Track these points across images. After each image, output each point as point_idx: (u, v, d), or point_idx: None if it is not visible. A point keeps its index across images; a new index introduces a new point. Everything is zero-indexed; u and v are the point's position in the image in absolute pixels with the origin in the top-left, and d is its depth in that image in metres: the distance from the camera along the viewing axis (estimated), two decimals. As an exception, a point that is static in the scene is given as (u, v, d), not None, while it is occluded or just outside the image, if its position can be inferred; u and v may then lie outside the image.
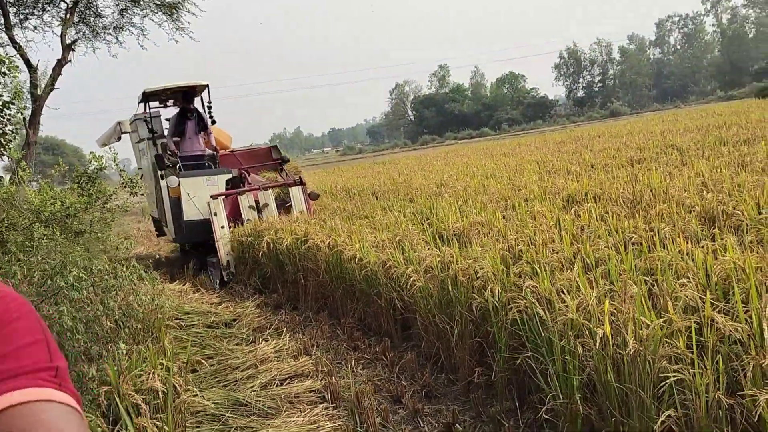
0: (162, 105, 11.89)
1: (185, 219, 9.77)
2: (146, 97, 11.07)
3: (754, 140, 9.80)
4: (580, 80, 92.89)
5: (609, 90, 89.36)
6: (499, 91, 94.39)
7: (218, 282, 8.99)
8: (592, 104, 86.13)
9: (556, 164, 11.27)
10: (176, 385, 3.03)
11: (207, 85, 10.88)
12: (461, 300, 4.34)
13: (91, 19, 14.79)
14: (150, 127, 11.26)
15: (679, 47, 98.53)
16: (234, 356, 5.52)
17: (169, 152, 10.57)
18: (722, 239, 3.87)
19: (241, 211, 9.52)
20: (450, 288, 4.48)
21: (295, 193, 9.98)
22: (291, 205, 9.92)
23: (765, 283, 2.75)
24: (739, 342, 2.49)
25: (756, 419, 2.22)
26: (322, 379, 4.81)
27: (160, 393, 2.98)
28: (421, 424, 4.04)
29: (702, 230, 4.31)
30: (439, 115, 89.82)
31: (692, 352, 2.52)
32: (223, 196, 9.48)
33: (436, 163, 19.30)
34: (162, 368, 3.24)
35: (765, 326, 2.38)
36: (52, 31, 14.17)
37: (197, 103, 11.37)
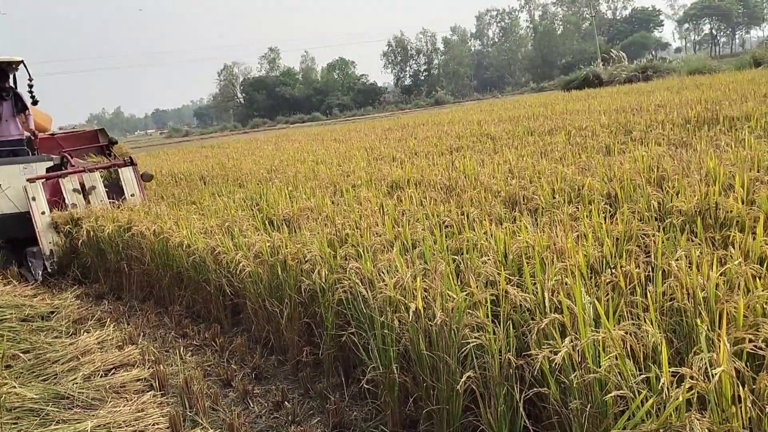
0: None
1: (1, 213, 8.79)
2: None
3: (556, 131, 10.86)
4: (407, 69, 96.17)
5: (434, 79, 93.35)
6: (330, 77, 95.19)
7: (41, 273, 8.30)
8: (419, 92, 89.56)
9: (383, 151, 11.74)
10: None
11: (21, 61, 9.76)
12: (290, 283, 4.50)
13: None
14: None
15: (497, 40, 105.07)
16: (53, 349, 5.27)
17: None
18: (521, 221, 4.36)
19: (64, 196, 8.75)
20: (279, 272, 4.62)
21: (126, 174, 9.34)
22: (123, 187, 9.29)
23: (551, 259, 3.18)
24: (528, 310, 2.89)
25: (539, 374, 2.61)
26: (149, 368, 4.77)
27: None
28: (251, 405, 4.16)
29: (505, 213, 4.80)
30: (270, 99, 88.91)
31: (489, 321, 2.88)
32: (43, 180, 8.72)
33: (266, 147, 19.22)
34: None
35: (546, 296, 2.78)
36: None
37: (12, 81, 10.10)
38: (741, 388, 2.03)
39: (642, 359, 2.34)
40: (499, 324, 2.87)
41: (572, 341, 2.37)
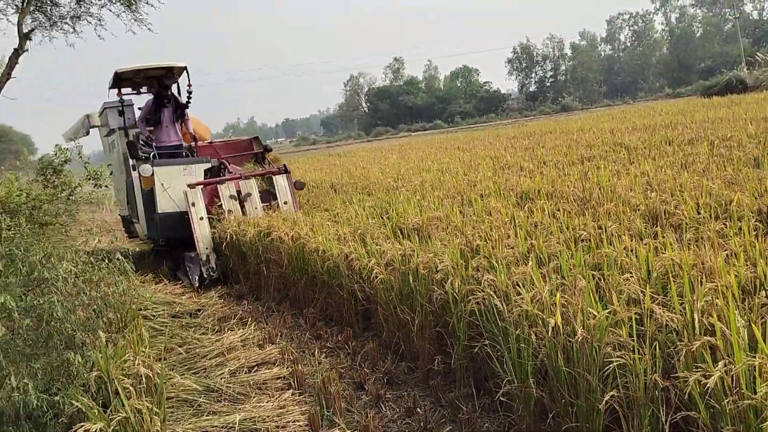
0: (135, 91, 10.86)
1: (159, 212, 9.01)
2: (118, 80, 9.98)
3: (697, 140, 10.31)
4: (533, 75, 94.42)
5: (560, 85, 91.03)
6: (453, 85, 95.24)
7: (197, 278, 8.36)
8: (544, 99, 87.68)
9: (510, 160, 11.64)
10: (158, 371, 3.21)
11: (185, 68, 9.99)
12: (422, 292, 4.59)
13: (48, 8, 14.53)
14: (122, 115, 10.35)
15: (629, 44, 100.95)
16: (201, 345, 5.68)
17: (142, 141, 9.81)
18: (663, 237, 4.22)
19: (222, 202, 8.89)
20: (411, 280, 4.73)
21: (280, 182, 9.33)
22: (276, 195, 9.31)
23: (699, 279, 3.07)
24: (675, 331, 2.80)
25: (687, 398, 2.53)
26: (288, 367, 5.02)
27: (143, 378, 3.15)
28: (384, 409, 4.28)
29: (645, 228, 4.65)
30: (394, 108, 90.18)
31: (633, 340, 2.82)
32: (202, 186, 8.91)
33: (391, 156, 19.56)
34: (143, 355, 3.40)
35: (696, 317, 2.69)
36: (7, 19, 13.88)
37: (174, 89, 10.38)
38: None
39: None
40: (643, 344, 2.80)
41: (726, 365, 2.29)
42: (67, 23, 14.83)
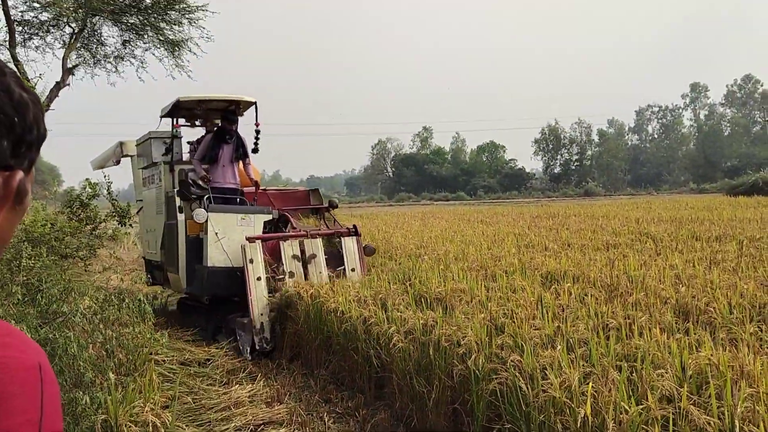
0: (190, 123, 9.79)
1: (209, 265, 7.84)
2: (176, 108, 8.87)
3: (725, 238, 10.19)
4: (558, 157, 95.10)
5: (585, 169, 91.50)
6: (479, 159, 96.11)
7: (248, 349, 7.19)
8: (568, 181, 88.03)
9: (533, 239, 11.56)
10: (166, 420, 3.10)
11: (254, 103, 8.92)
12: (441, 365, 4.47)
13: (94, 46, 15.03)
14: (170, 148, 9.19)
15: (656, 136, 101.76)
16: (208, 396, 5.55)
17: (197, 180, 8.44)
18: (695, 334, 4.09)
19: (283, 261, 7.67)
20: (431, 352, 4.61)
21: (349, 245, 8.11)
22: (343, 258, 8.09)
23: (738, 382, 2.94)
24: (711, 435, 2.66)
25: None
26: (295, 429, 4.87)
27: (151, 426, 3.05)
28: (392, 485, 4.11)
29: (676, 323, 4.52)
30: (418, 175, 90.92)
31: (668, 441, 2.68)
32: (262, 241, 7.76)
33: (414, 222, 19.55)
34: (153, 402, 3.30)
35: (737, 423, 2.56)
36: (53, 53, 14.36)
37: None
38: None
39: None
40: (677, 445, 2.67)
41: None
42: (110, 62, 15.29)
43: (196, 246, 8.20)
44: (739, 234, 10.51)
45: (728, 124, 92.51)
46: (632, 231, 12.18)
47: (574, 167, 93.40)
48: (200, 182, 8.29)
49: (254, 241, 7.58)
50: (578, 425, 2.92)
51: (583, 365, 3.52)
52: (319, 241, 7.92)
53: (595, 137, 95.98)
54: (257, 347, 7.12)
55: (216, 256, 7.82)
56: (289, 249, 7.69)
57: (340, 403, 5.61)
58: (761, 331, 4.13)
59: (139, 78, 15.51)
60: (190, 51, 15.41)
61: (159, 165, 9.25)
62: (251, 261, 7.38)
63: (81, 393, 3.09)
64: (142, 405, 3.14)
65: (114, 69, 15.37)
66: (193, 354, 7.00)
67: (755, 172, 40.15)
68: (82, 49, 14.89)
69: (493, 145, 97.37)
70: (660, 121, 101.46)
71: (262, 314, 7.24)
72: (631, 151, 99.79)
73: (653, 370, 3.26)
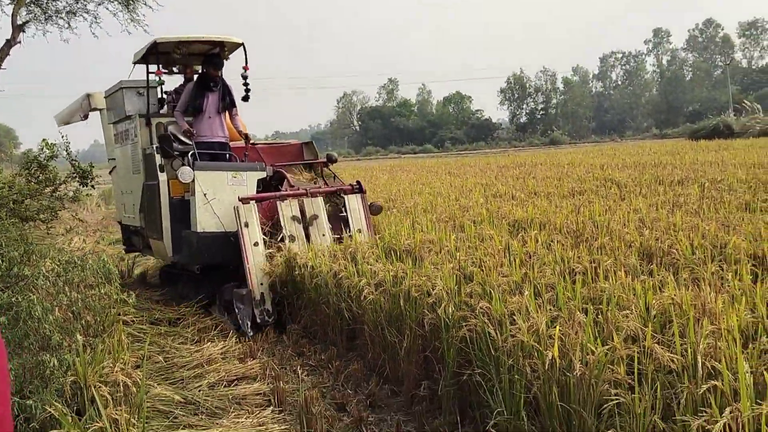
0: (166, 70, 8.61)
1: (199, 230, 6.94)
2: (152, 52, 7.81)
3: (687, 181, 10.38)
4: (524, 106, 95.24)
5: (551, 118, 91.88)
6: (445, 110, 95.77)
7: (249, 324, 6.39)
8: (534, 131, 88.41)
9: (501, 189, 11.64)
10: (137, 379, 3.09)
11: (241, 44, 7.92)
12: (412, 315, 4.51)
13: (45, 1, 14.44)
14: (146, 99, 8.06)
15: (620, 83, 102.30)
16: (180, 355, 5.54)
17: (180, 135, 7.66)
18: (659, 275, 4.18)
19: (282, 223, 6.89)
20: (402, 303, 4.64)
21: (353, 203, 7.32)
22: (347, 218, 7.31)
23: (700, 320, 3.02)
24: (675, 372, 2.74)
25: (686, 443, 2.46)
26: (269, 383, 4.89)
27: (122, 386, 3.03)
28: (366, 432, 4.17)
29: (641, 265, 4.61)
30: (384, 128, 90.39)
31: (632, 379, 2.75)
32: (256, 201, 6.95)
33: (382, 176, 19.52)
34: (122, 362, 3.28)
35: (699, 359, 2.63)
36: (2, 10, 13.75)
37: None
38: None
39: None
40: (641, 383, 2.74)
41: (732, 412, 2.22)
42: (62, 18, 14.74)
43: (182, 209, 7.34)
44: (700, 177, 10.70)
45: (690, 69, 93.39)
46: (597, 177, 12.32)
47: (539, 116, 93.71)
48: (183, 137, 7.54)
49: (248, 202, 6.80)
50: (546, 367, 2.98)
51: (550, 309, 3.58)
52: (320, 200, 7.16)
53: (560, 85, 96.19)
54: (258, 320, 6.41)
55: (206, 220, 6.95)
56: (287, 210, 6.94)
57: (313, 356, 5.65)
58: (722, 270, 4.23)
59: (93, 34, 14.99)
60: (145, 5, 14.89)
61: (133, 119, 8.04)
62: (246, 224, 6.67)
63: (48, 356, 3.05)
64: (111, 365, 3.12)
65: (66, 25, 14.82)
66: (163, 313, 6.96)
67: (716, 116, 40.77)
68: (32, 5, 14.30)
69: (459, 96, 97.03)
70: (623, 67, 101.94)
71: (261, 284, 6.54)
72: (596, 98, 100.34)
73: (618, 311, 3.33)
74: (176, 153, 7.35)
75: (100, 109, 9.58)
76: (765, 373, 2.38)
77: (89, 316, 4.28)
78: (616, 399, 2.67)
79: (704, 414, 2.35)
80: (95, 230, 14.19)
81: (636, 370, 2.78)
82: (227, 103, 7.85)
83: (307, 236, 6.90)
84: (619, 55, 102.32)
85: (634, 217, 6.62)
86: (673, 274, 4.25)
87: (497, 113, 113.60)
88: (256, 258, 6.60)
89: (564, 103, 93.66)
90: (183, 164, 7.02)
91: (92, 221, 17.05)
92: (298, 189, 7.27)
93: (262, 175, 7.39)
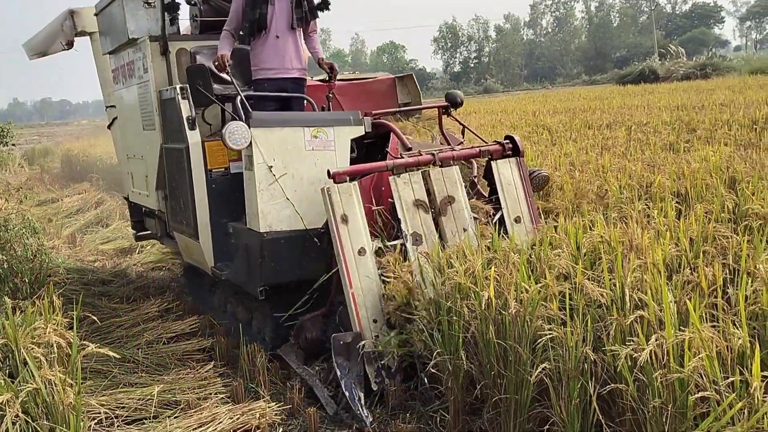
0: None
1: (263, 229, 4.24)
2: None
3: (615, 125, 10.67)
4: (458, 55, 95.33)
5: (484, 67, 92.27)
6: (379, 60, 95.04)
7: (360, 398, 3.69)
8: (468, 80, 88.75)
9: (436, 137, 11.69)
10: (71, 340, 3.02)
11: None
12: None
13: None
14: (160, 12, 5.18)
15: (550, 30, 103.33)
16: (116, 314, 5.44)
17: (224, 66, 4.64)
18: (589, 215, 4.31)
19: (400, 213, 4.06)
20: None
21: (506, 173, 4.45)
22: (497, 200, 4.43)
23: (627, 256, 3.14)
24: (604, 306, 2.86)
25: (615, 371, 2.59)
26: (210, 339, 4.87)
27: (56, 347, 2.96)
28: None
29: (572, 206, 4.75)
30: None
31: (565, 314, 2.86)
32: (358, 175, 4.19)
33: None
34: (55, 323, 3.20)
35: (627, 292, 2.75)
36: None
37: None
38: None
39: (728, 362, 2.31)
40: (573, 318, 2.85)
41: (657, 339, 2.34)
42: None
43: (229, 191, 4.71)
44: (627, 120, 11.02)
45: (617, 15, 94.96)
46: (529, 123, 12.52)
47: (473, 65, 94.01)
48: (227, 72, 4.59)
49: (344, 179, 3.97)
50: (483, 307, 3.06)
51: (486, 252, 3.65)
52: (455, 171, 4.23)
53: (492, 34, 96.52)
54: (374, 386, 3.76)
55: (274, 211, 4.23)
56: (407, 189, 4.06)
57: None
58: (648, 207, 4.40)
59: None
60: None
61: (141, 44, 5.28)
62: (344, 218, 3.88)
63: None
64: (44, 326, 3.04)
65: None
66: (96, 274, 6.79)
67: (642, 61, 41.79)
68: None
69: (393, 46, 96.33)
70: (553, 14, 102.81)
71: (374, 320, 3.81)
72: (527, 46, 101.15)
73: (551, 251, 3.43)
74: (217, 98, 4.51)
75: (90, 34, 6.74)
76: (687, 302, 2.51)
77: (17, 279, 4.14)
78: (550, 333, 2.77)
79: (632, 343, 2.47)
80: (18, 187, 13.60)
81: (568, 306, 2.89)
82: (304, 14, 4.98)
83: (442, 233, 4.11)
84: (549, 2, 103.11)
85: (565, 160, 6.78)
86: (602, 214, 4.40)
87: (432, 63, 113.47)
88: (363, 276, 3.85)
89: (496, 51, 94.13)
90: (232, 117, 4.27)
91: (15, 183, 16.34)
92: (419, 153, 4.27)
93: (359, 131, 4.48)
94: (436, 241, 3.98)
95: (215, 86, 4.61)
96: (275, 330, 4.57)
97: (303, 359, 4.34)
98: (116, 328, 5.11)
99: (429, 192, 4.13)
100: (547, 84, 76.63)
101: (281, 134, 4.27)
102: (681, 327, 2.47)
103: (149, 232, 6.41)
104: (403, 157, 4.23)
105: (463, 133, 5.45)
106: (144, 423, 3.60)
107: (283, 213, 4.25)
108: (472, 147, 4.60)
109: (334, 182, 3.94)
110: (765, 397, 2.10)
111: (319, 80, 5.63)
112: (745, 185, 4.60)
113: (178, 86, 4.73)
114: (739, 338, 2.34)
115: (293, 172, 4.27)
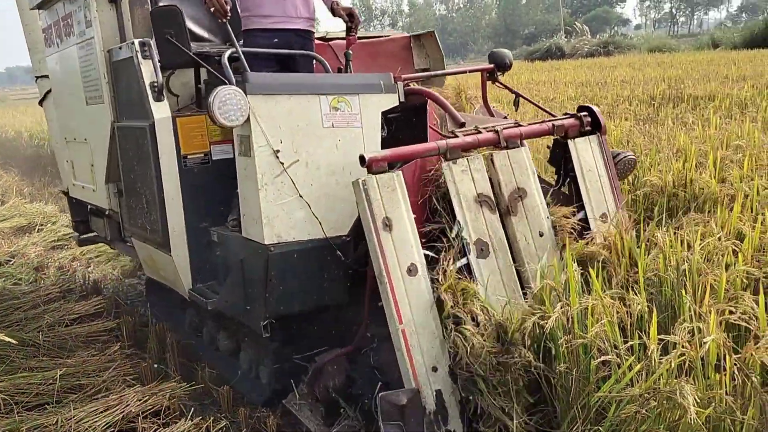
0: None
1: (268, 240, 3.01)
2: None
3: (523, 101, 10.92)
4: (371, 29, 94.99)
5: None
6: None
7: None
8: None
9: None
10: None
11: None
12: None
13: None
14: None
15: (461, 6, 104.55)
16: (13, 296, 5.16)
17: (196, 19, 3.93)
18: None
19: (457, 213, 2.87)
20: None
21: (586, 156, 3.36)
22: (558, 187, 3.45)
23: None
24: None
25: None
26: (116, 319, 4.70)
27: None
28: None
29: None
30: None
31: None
32: (398, 163, 2.94)
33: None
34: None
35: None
36: None
37: None
38: (729, 356, 2.13)
39: (628, 327, 2.42)
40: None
41: (563, 307, 2.42)
42: None
43: (210, 184, 3.61)
44: (535, 96, 11.29)
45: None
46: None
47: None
48: (227, 20, 3.27)
49: (383, 166, 2.73)
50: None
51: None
52: (524, 153, 3.13)
53: (406, 8, 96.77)
54: None
55: (283, 214, 3.06)
56: (465, 179, 2.93)
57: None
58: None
59: None
60: None
61: None
62: (387, 223, 2.68)
63: None
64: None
65: None
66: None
67: (549, 38, 42.97)
68: None
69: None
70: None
71: (434, 368, 2.66)
72: (439, 21, 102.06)
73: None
74: (196, 59, 3.33)
75: None
76: (591, 270, 2.60)
77: None
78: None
79: (538, 311, 2.54)
80: None
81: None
82: None
83: (512, 243, 2.99)
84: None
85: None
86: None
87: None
88: (415, 305, 2.67)
89: (410, 25, 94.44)
90: (216, 82, 3.16)
91: None
92: (477, 130, 3.08)
93: (392, 101, 3.33)
94: (506, 250, 2.93)
95: (194, 46, 3.46)
96: (276, 366, 3.36)
97: (322, 415, 3.15)
98: (14, 311, 4.84)
99: (495, 184, 3.00)
100: (459, 59, 77.67)
101: (289, 104, 3.02)
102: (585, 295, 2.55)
103: (95, 234, 5.19)
104: (456, 136, 2.99)
105: (517, 105, 4.62)
106: (46, 408, 3.44)
107: (294, 217, 3.04)
108: (541, 121, 3.37)
109: (370, 172, 2.68)
110: (661, 359, 2.21)
111: (320, 38, 4.44)
112: (643, 158, 4.82)
113: (136, 41, 3.50)
114: (638, 304, 2.46)
115: (307, 159, 3.05)
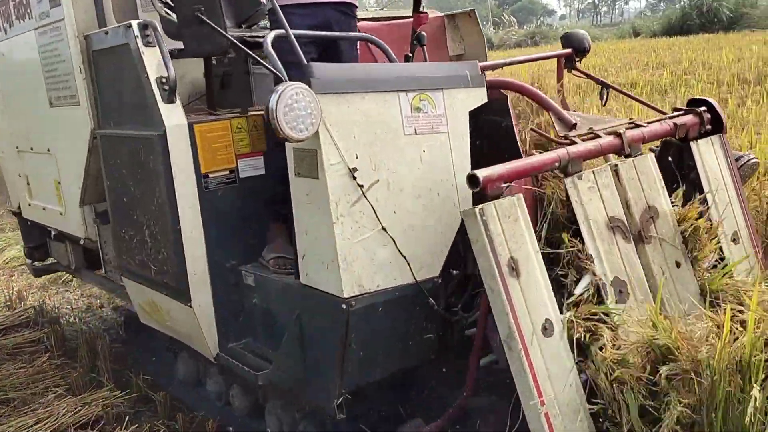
0: None
1: (347, 293, 2.10)
2: None
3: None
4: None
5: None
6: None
7: None
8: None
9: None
10: None
11: None
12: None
13: None
14: None
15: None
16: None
17: None
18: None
19: (588, 242, 2.17)
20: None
21: (710, 161, 2.71)
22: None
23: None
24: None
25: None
26: (44, 329, 4.52)
27: None
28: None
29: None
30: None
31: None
32: (514, 178, 2.09)
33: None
34: None
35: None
36: None
37: None
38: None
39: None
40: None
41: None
42: None
43: (237, 210, 2.70)
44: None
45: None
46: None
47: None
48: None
49: (500, 188, 2.00)
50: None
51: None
52: (650, 160, 2.48)
53: None
54: None
55: (364, 255, 2.15)
56: (593, 199, 2.25)
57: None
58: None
59: None
60: None
61: None
62: (513, 266, 1.96)
63: None
64: None
65: None
66: None
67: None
68: None
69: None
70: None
71: None
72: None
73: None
74: (235, 43, 2.39)
75: None
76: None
77: None
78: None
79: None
80: None
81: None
82: None
83: (647, 276, 2.32)
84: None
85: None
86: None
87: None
88: (555, 374, 1.97)
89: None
90: (283, 79, 2.09)
91: None
92: (592, 134, 2.48)
93: (481, 97, 2.46)
94: (646, 289, 2.28)
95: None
96: None
97: None
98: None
99: (627, 205, 2.36)
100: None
101: (365, 106, 2.19)
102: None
103: (54, 261, 4.33)
104: (572, 143, 2.36)
105: (605, 98, 3.62)
106: (-30, 426, 3.29)
107: (378, 257, 2.20)
108: (659, 120, 2.71)
109: (484, 195, 1.98)
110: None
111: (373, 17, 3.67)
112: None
113: (134, 22, 2.56)
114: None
115: (387, 178, 2.22)
